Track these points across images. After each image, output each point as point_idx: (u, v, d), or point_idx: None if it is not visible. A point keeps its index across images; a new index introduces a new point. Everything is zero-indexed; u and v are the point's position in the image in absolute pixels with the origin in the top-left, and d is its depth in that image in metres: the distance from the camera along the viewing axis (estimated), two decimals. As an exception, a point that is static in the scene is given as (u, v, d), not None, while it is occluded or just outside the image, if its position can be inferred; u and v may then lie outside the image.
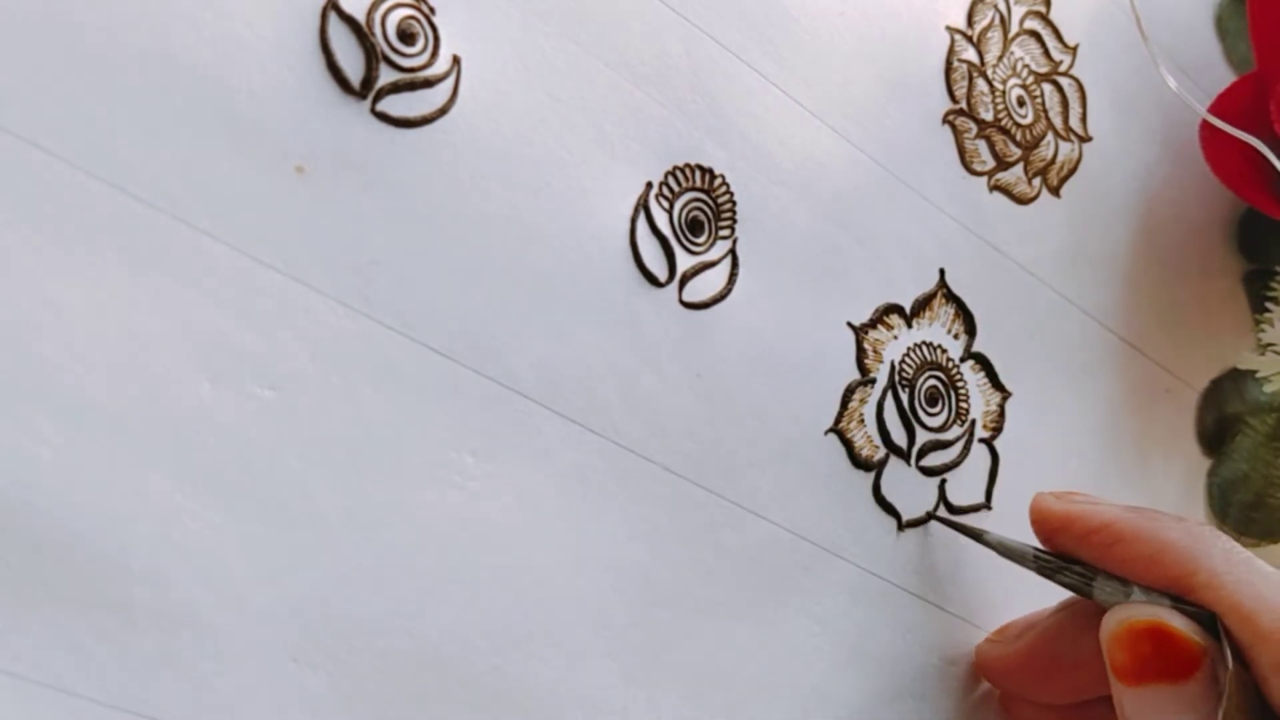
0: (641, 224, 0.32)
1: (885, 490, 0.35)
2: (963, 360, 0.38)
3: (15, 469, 0.23)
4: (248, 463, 0.26)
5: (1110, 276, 0.43)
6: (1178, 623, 0.29)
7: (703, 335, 0.32)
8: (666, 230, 0.32)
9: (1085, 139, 0.42)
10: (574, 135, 0.31)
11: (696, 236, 0.33)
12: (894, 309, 0.36)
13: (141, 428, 0.25)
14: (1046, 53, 0.41)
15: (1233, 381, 0.46)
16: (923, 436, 0.36)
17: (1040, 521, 0.34)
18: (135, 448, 0.25)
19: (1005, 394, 0.39)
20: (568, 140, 0.31)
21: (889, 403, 0.36)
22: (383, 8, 0.28)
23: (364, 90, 0.28)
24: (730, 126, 0.34)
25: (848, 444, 0.35)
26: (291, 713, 0.26)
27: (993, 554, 0.35)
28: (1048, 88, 0.41)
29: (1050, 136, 0.41)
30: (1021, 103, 0.40)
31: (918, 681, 0.36)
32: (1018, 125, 0.40)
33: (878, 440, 0.35)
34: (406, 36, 0.29)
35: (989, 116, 0.39)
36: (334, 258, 0.27)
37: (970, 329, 0.38)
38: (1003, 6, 0.40)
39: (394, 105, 0.28)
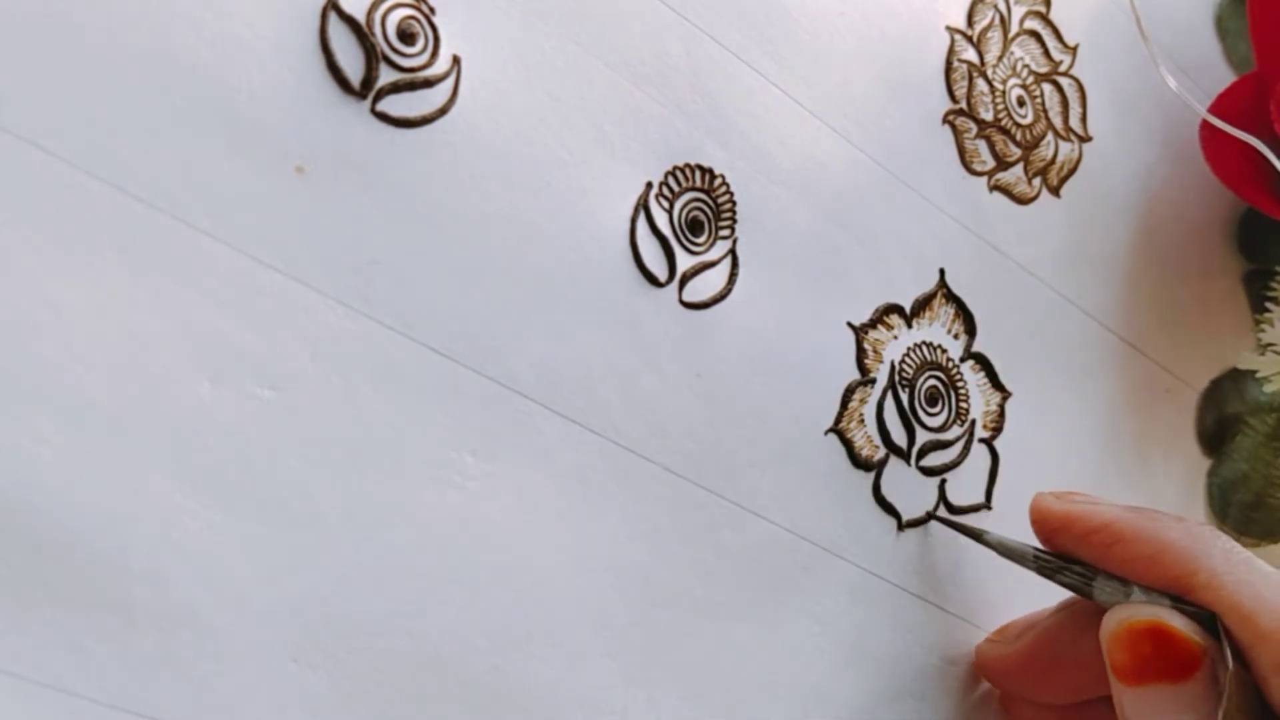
0: (641, 224, 0.32)
1: (885, 490, 0.35)
2: (963, 360, 0.38)
3: (15, 469, 0.23)
4: (248, 463, 0.26)
5: (1110, 276, 0.43)
6: (1178, 623, 0.29)
7: (703, 335, 0.32)
8: (666, 230, 0.32)
9: (1085, 139, 0.42)
10: (574, 135, 0.31)
11: (696, 236, 0.33)
12: (894, 309, 0.36)
13: (141, 428, 0.25)
14: (1046, 53, 0.41)
15: (1233, 381, 0.46)
16: (923, 436, 0.36)
17: (1040, 521, 0.34)
18: (135, 448, 0.25)
19: (1005, 394, 0.39)
20: (568, 140, 0.31)
21: (889, 403, 0.36)
22: (383, 8, 0.28)
23: (364, 90, 0.28)
24: (730, 126, 0.34)
25: (848, 444, 0.35)
26: (291, 713, 0.26)
27: (993, 554, 0.35)
28: (1048, 88, 0.41)
29: (1050, 136, 0.41)
30: (1021, 103, 0.40)
31: (918, 681, 0.36)
32: (1018, 125, 0.40)
33: (878, 440, 0.35)
34: (406, 36, 0.29)
35: (989, 116, 0.39)
36: (334, 258, 0.27)
37: (970, 329, 0.38)
38: (1003, 6, 0.40)
39: (394, 105, 0.28)
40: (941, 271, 0.38)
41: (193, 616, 0.25)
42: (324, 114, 0.27)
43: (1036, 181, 0.41)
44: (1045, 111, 0.41)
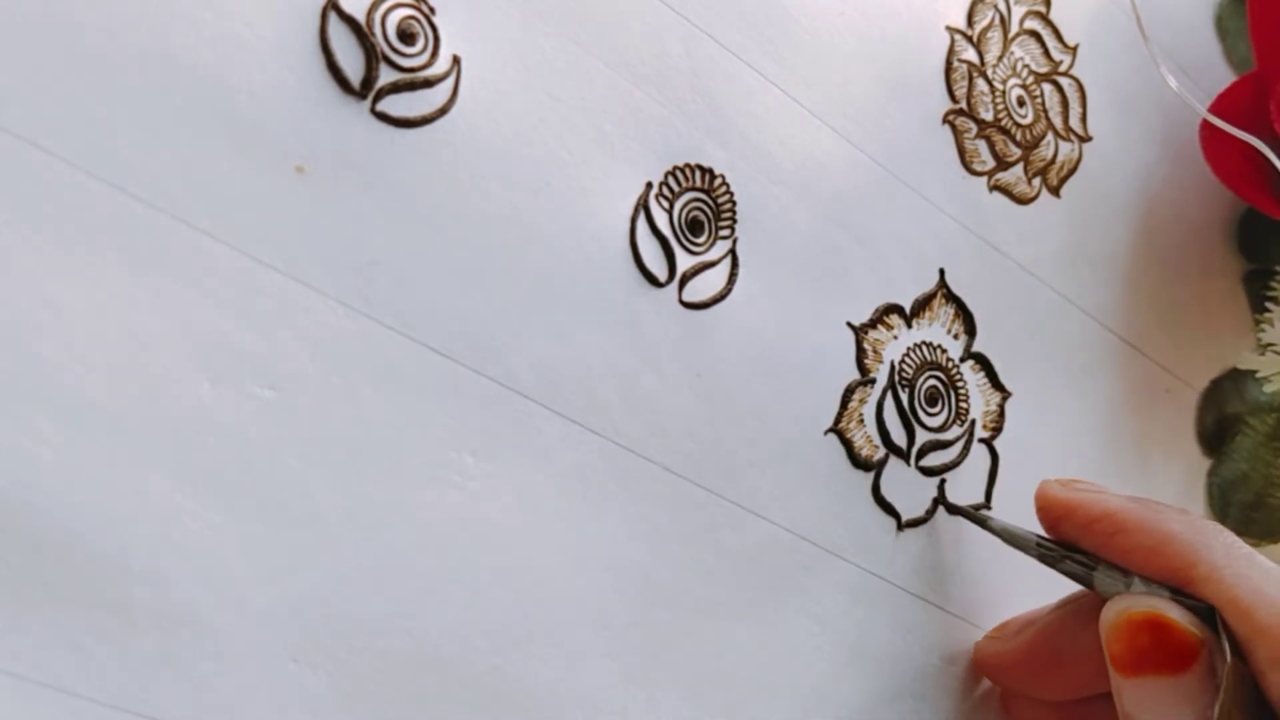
0: (641, 224, 0.32)
1: (885, 490, 0.35)
2: (963, 360, 0.38)
3: (15, 469, 0.23)
4: (248, 463, 0.26)
5: (1110, 276, 0.43)
6: (1176, 615, 0.30)
7: (703, 335, 0.32)
8: (666, 230, 0.32)
9: (1085, 139, 0.42)
10: (574, 135, 0.31)
11: (696, 236, 0.33)
12: (894, 309, 0.36)
13: (141, 428, 0.25)
14: (1046, 53, 0.42)
15: (1233, 381, 0.46)
16: (922, 436, 0.36)
17: (1045, 508, 0.34)
18: (135, 448, 0.25)
19: (1005, 394, 0.39)
20: (568, 140, 0.31)
21: (889, 403, 0.36)
22: (383, 8, 0.28)
23: (364, 90, 0.28)
24: (730, 126, 0.34)
25: (847, 444, 0.35)
26: (291, 713, 0.26)
27: (992, 553, 0.35)
28: (1048, 88, 0.41)
29: (1050, 136, 0.41)
30: (1021, 103, 0.40)
31: (918, 681, 0.36)
32: (1018, 125, 0.40)
33: (877, 440, 0.35)
34: (406, 36, 0.29)
35: (989, 116, 0.39)
36: (334, 258, 0.27)
37: (970, 329, 0.38)
38: (1003, 6, 0.40)
39: (394, 105, 0.28)
40: (941, 271, 0.38)
41: (193, 616, 0.25)
42: (324, 114, 0.27)
43: (1036, 181, 0.41)
44: (1045, 111, 0.41)
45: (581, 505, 0.30)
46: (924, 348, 0.37)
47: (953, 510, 0.36)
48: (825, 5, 0.36)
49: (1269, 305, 0.44)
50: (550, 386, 0.30)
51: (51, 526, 0.24)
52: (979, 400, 0.38)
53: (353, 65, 0.28)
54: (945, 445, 0.37)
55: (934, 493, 0.37)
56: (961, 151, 0.39)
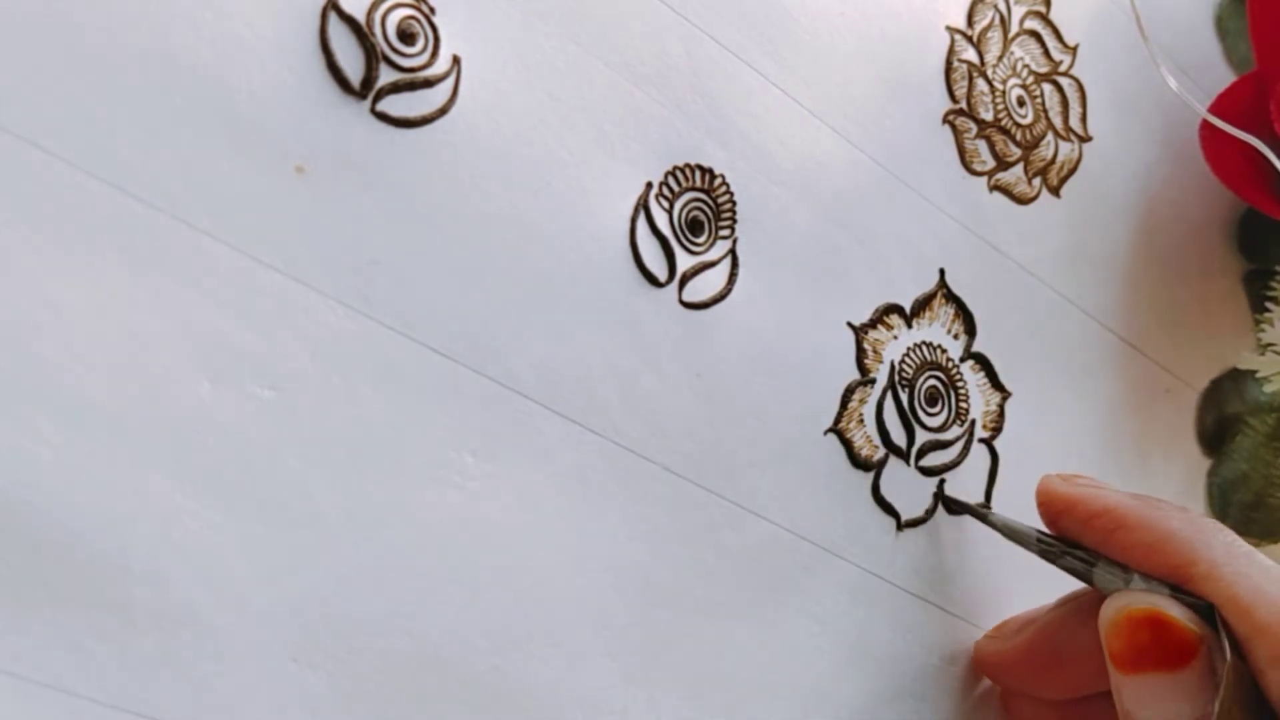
0: (641, 224, 0.32)
1: (884, 490, 0.35)
2: (963, 360, 0.38)
3: (15, 469, 0.23)
4: (248, 463, 0.26)
5: (1110, 276, 0.43)
6: (1175, 612, 0.30)
7: (703, 335, 0.32)
8: (666, 230, 0.32)
9: (1085, 139, 0.42)
10: (574, 135, 0.31)
11: (696, 236, 0.33)
12: (894, 309, 0.36)
13: (141, 428, 0.25)
14: (1046, 53, 0.42)
15: (1233, 381, 0.46)
16: (922, 436, 0.36)
17: (1045, 503, 0.34)
18: (135, 448, 0.25)
19: (1005, 394, 0.39)
20: (568, 140, 0.31)
21: (889, 403, 0.36)
22: (383, 8, 0.28)
23: (364, 90, 0.28)
24: (730, 126, 0.34)
25: (847, 444, 0.35)
26: (291, 713, 0.26)
27: (992, 553, 0.35)
28: (1048, 88, 0.41)
29: (1050, 136, 0.41)
30: (1021, 103, 0.40)
31: (918, 681, 0.36)
32: (1018, 125, 0.40)
33: (877, 440, 0.35)
34: (406, 36, 0.29)
35: (989, 116, 0.39)
36: (334, 258, 0.27)
37: (970, 329, 0.38)
38: (1003, 6, 0.40)
39: (394, 105, 0.28)
40: (941, 271, 0.38)
41: (193, 616, 0.25)
42: (324, 114, 0.27)
43: (1036, 181, 0.41)
44: (1045, 111, 0.41)
45: (581, 505, 0.30)
46: (924, 348, 0.37)
47: (953, 506, 0.36)
48: (825, 5, 0.36)
49: (1269, 305, 0.44)
50: (550, 386, 0.30)
51: (51, 526, 0.24)
52: (979, 400, 0.38)
53: (353, 65, 0.28)
54: (945, 445, 0.37)
55: (934, 492, 0.37)
56: (961, 151, 0.39)
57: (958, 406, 0.37)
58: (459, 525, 0.28)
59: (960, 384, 0.38)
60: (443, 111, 0.29)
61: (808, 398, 0.34)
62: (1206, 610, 0.30)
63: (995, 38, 0.40)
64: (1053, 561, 0.33)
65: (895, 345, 0.36)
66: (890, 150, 0.37)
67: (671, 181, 0.32)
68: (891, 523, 0.35)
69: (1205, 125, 0.42)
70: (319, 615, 0.26)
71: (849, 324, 0.35)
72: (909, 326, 0.37)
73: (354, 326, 0.27)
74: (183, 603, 0.25)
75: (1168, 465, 0.44)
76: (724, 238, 0.33)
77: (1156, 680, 0.29)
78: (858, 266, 0.36)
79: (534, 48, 0.31)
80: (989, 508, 0.38)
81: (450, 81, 0.29)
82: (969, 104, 0.39)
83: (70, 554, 0.24)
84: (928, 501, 0.36)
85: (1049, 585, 0.34)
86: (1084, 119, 0.42)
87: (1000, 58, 0.40)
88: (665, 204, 0.32)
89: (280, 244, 0.27)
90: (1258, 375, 0.44)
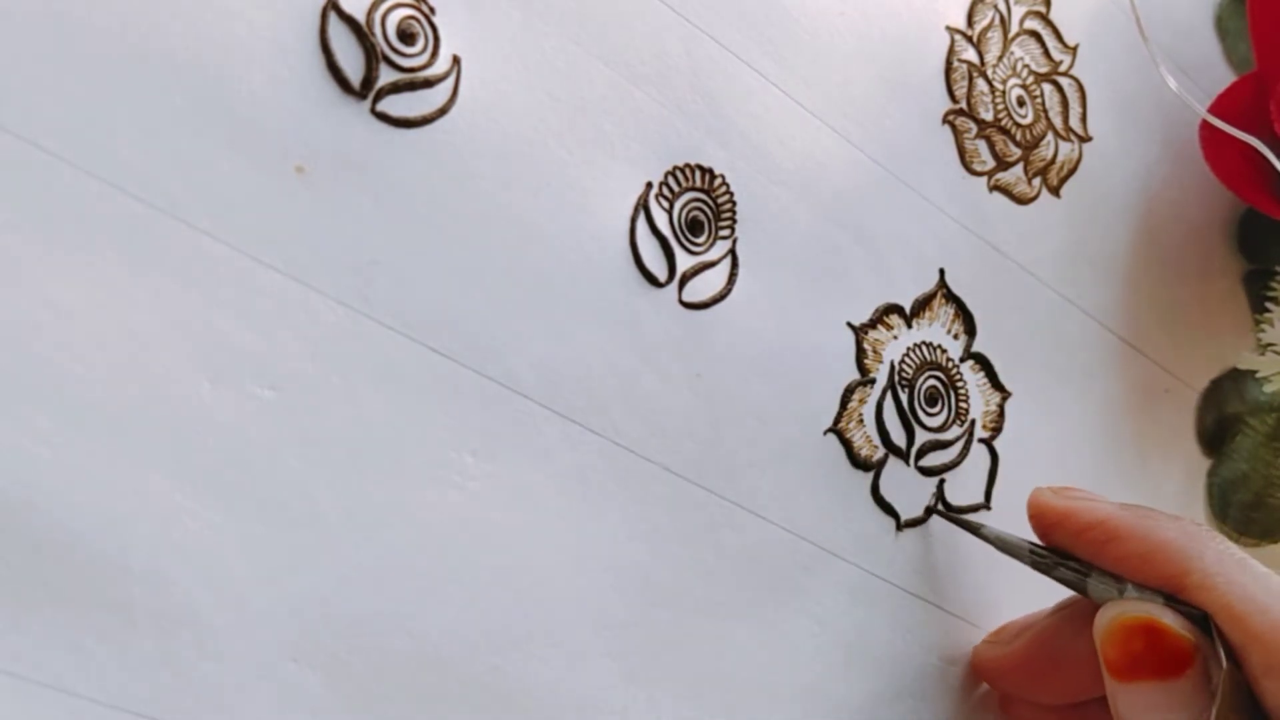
0: (641, 224, 0.32)
1: (884, 490, 0.35)
2: (962, 360, 0.38)
3: (15, 469, 0.23)
4: (248, 463, 0.26)
5: (1110, 276, 0.43)
6: (1170, 620, 0.30)
7: (703, 335, 0.32)
8: (666, 230, 0.32)
9: (1085, 139, 0.42)
10: (574, 135, 0.31)
11: (696, 236, 0.33)
12: (894, 309, 0.36)
13: (141, 428, 0.25)
14: (1046, 53, 0.42)
15: (1233, 381, 0.46)
16: (922, 436, 0.36)
17: (1037, 516, 0.34)
18: (135, 448, 0.25)
19: (1005, 394, 0.39)
20: (568, 140, 0.31)
21: (888, 403, 0.36)
22: (383, 8, 0.28)
23: (364, 90, 0.28)
24: (730, 126, 0.34)
25: (847, 444, 0.35)
26: (291, 713, 0.26)
27: (991, 553, 0.35)
28: (1048, 88, 0.41)
29: (1050, 136, 0.41)
30: (1021, 103, 0.40)
31: (918, 681, 0.36)
32: (1018, 125, 0.40)
33: (877, 440, 0.35)
34: (406, 36, 0.29)
35: (989, 116, 0.39)
36: (334, 258, 0.27)
37: (970, 329, 0.38)
38: (1003, 6, 0.40)
39: (394, 105, 0.28)
40: (941, 271, 0.38)
41: (193, 616, 0.25)
42: (324, 114, 0.27)
43: (1036, 181, 0.41)
44: (1045, 111, 0.41)
45: (581, 505, 0.30)
46: (924, 348, 0.37)
47: (946, 517, 0.36)
48: (825, 5, 0.36)
49: (1269, 305, 0.44)
50: (550, 386, 0.30)
51: (51, 526, 0.24)
52: (979, 400, 0.38)
53: (353, 65, 0.28)
54: (945, 445, 0.37)
55: (933, 492, 0.37)
56: (961, 151, 0.39)
57: (957, 406, 0.37)
58: (459, 525, 0.28)
59: (960, 384, 0.38)
60: (443, 111, 0.29)
61: (808, 398, 0.34)
62: (1201, 619, 0.30)
63: (995, 38, 0.40)
64: (1046, 573, 0.33)
65: (895, 345, 0.36)
66: (890, 150, 0.37)
67: (671, 181, 0.32)
68: (891, 523, 0.36)
69: (1205, 125, 0.42)
70: (319, 615, 0.26)
71: (849, 324, 0.35)
72: (909, 326, 0.37)
73: (354, 326, 0.27)
74: (183, 603, 0.25)
75: (1168, 465, 0.44)
76: (724, 238, 0.33)
77: (1152, 689, 0.29)
78: (858, 266, 0.36)
79: (534, 48, 0.31)
80: (988, 506, 0.38)
81: (450, 81, 0.29)
82: (969, 104, 0.39)
83: (70, 554, 0.24)
84: (927, 502, 0.36)
85: (1048, 585, 0.34)
86: (1084, 119, 0.42)
87: (1000, 58, 0.40)
88: (665, 204, 0.32)
89: (280, 244, 0.27)
90: (1258, 375, 0.44)
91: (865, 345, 0.36)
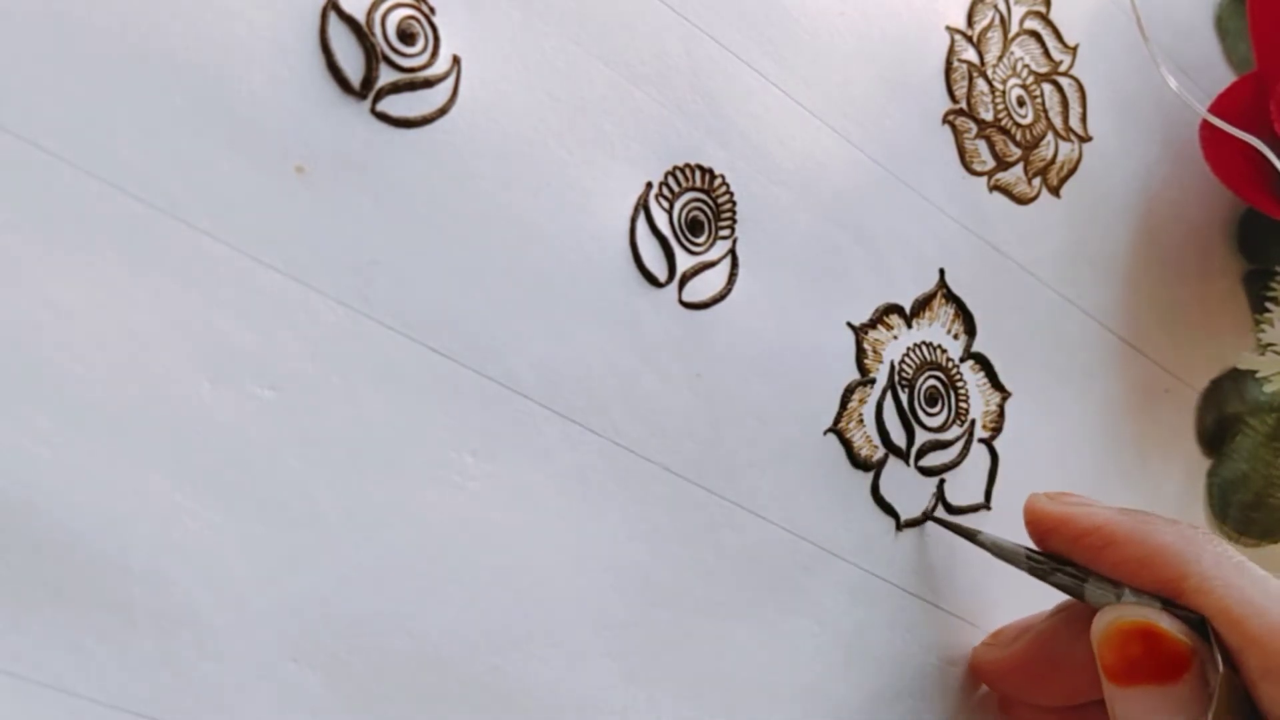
0: (641, 224, 0.32)
1: (884, 490, 0.35)
2: (962, 360, 0.38)
3: (15, 469, 0.23)
4: (248, 463, 0.26)
5: (1110, 276, 0.43)
6: (1167, 624, 0.30)
7: (703, 335, 0.32)
8: (666, 230, 0.32)
9: (1085, 139, 0.42)
10: (574, 135, 0.31)
11: (696, 236, 0.33)
12: (894, 309, 0.36)
13: (141, 428, 0.25)
14: (1046, 53, 0.41)
15: (1233, 381, 0.46)
16: (922, 436, 0.36)
17: (1033, 523, 0.34)
18: (135, 448, 0.25)
19: (1005, 394, 0.39)
20: (568, 140, 0.31)
21: (888, 403, 0.36)
22: (383, 8, 0.28)
23: (364, 90, 0.28)
24: (730, 126, 0.34)
25: (847, 444, 0.35)
26: (291, 713, 0.26)
27: (991, 555, 0.35)
28: (1048, 88, 0.41)
29: (1050, 136, 0.41)
30: (1021, 103, 0.40)
31: (917, 681, 0.36)
32: (1018, 125, 0.40)
33: (877, 440, 0.35)
34: (406, 36, 0.29)
35: (989, 116, 0.39)
36: (334, 258, 0.27)
37: (970, 329, 0.38)
38: (1003, 6, 0.40)
39: (394, 105, 0.28)
40: (941, 271, 0.38)
41: (193, 616, 0.25)
42: (324, 114, 0.27)
43: (1036, 181, 0.41)
44: (1045, 111, 0.41)
45: (581, 505, 0.30)
46: (924, 348, 0.37)
47: (943, 525, 0.36)
48: (825, 5, 0.36)
49: (1269, 305, 0.44)
50: (550, 386, 0.30)
51: (51, 526, 0.24)
52: (979, 400, 0.38)
53: (353, 65, 0.28)
54: (945, 445, 0.37)
55: (933, 492, 0.37)
56: (961, 151, 0.39)
57: (957, 406, 0.37)
58: (459, 525, 0.28)
59: (960, 384, 0.38)
60: (443, 111, 0.29)
61: (808, 398, 0.34)
62: (1199, 623, 0.30)
63: (995, 38, 0.40)
64: (1043, 579, 0.33)
65: (895, 345, 0.36)
66: (890, 150, 0.37)
67: (671, 181, 0.32)
68: (891, 523, 0.36)
69: (1205, 125, 0.42)
70: (319, 615, 0.26)
71: (849, 324, 0.35)
72: (909, 326, 0.37)
73: (354, 326, 0.27)
74: (183, 603, 0.25)
75: (1168, 465, 0.44)
76: (724, 238, 0.33)
77: (1149, 693, 0.29)
78: (858, 266, 0.36)
79: (534, 48, 0.31)
80: (988, 506, 0.38)
81: (450, 81, 0.29)
82: (969, 104, 0.39)
83: (70, 554, 0.24)
84: (927, 503, 0.36)
85: (1048, 587, 0.34)
86: (1084, 119, 0.42)
87: (1000, 58, 0.40)
88: (665, 204, 0.32)
89: (280, 244, 0.27)
90: (1258, 375, 0.44)
91: (865, 345, 0.36)
